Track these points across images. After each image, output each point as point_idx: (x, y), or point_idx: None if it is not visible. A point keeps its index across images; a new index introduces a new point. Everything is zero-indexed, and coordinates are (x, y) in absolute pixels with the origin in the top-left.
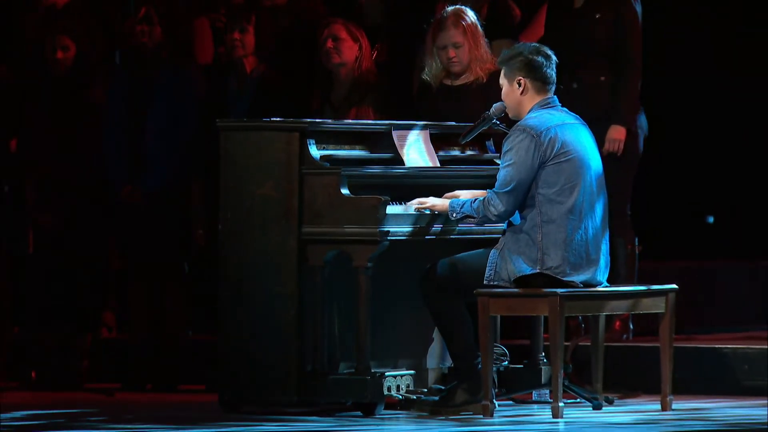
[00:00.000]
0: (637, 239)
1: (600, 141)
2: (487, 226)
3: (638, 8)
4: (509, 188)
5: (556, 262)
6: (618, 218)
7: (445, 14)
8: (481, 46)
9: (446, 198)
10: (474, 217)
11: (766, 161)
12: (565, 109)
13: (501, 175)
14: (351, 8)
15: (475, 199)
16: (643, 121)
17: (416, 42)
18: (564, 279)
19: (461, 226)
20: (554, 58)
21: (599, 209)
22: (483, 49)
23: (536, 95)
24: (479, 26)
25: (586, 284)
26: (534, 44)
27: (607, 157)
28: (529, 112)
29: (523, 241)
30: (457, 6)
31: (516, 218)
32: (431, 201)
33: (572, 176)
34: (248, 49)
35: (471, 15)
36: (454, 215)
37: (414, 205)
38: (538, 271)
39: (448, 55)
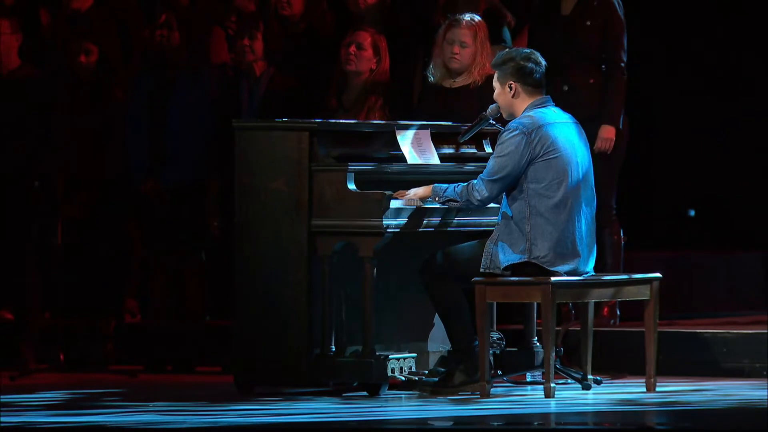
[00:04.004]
0: (622, 230)
1: (589, 140)
2: (484, 219)
3: (621, 13)
4: (496, 177)
5: (543, 252)
6: (604, 211)
7: (462, 15)
8: (486, 54)
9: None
10: (457, 201)
11: (744, 159)
12: (558, 108)
13: (490, 164)
14: (352, 14)
15: (458, 184)
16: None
17: (415, 47)
18: (550, 269)
19: (459, 219)
20: (544, 63)
21: (586, 203)
22: (486, 58)
23: (528, 97)
24: (488, 40)
25: (570, 274)
26: (526, 50)
27: (596, 155)
28: (524, 111)
29: (514, 232)
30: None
31: (507, 209)
32: (412, 191)
33: (560, 172)
34: (258, 54)
35: (484, 26)
36: (437, 199)
37: (395, 196)
38: (526, 259)
39: (452, 50)
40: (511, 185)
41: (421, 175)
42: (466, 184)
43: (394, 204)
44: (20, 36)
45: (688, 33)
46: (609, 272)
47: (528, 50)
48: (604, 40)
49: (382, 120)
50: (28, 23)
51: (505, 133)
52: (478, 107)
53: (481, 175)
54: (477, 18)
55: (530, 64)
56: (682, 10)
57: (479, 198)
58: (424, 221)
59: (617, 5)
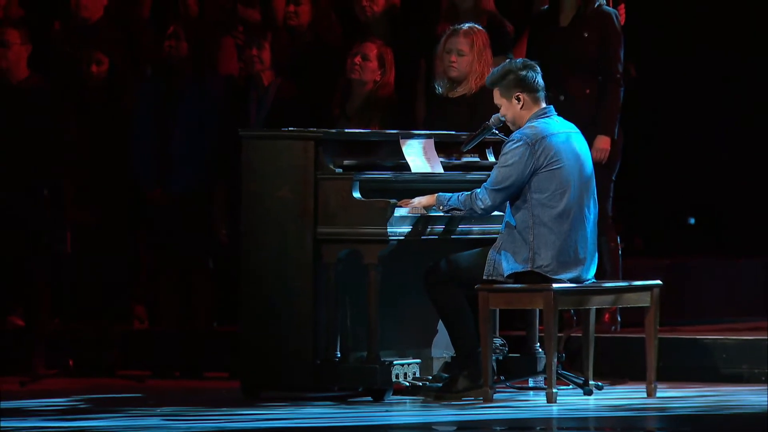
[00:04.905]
0: (619, 237)
1: None
2: (486, 227)
3: (618, 24)
4: (499, 187)
5: (546, 261)
6: (601, 218)
7: (461, 25)
8: (484, 63)
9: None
10: (461, 210)
11: (744, 166)
12: (560, 118)
13: (494, 173)
14: (359, 24)
15: (462, 193)
16: None
17: (417, 57)
18: (553, 277)
19: (463, 227)
20: (538, 66)
21: (588, 212)
22: (484, 67)
23: (533, 106)
24: (489, 49)
25: (573, 281)
26: (518, 60)
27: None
28: (527, 121)
29: (518, 241)
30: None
31: (511, 218)
32: (417, 200)
33: (563, 182)
34: (265, 64)
35: (484, 35)
36: (441, 207)
37: (399, 205)
38: (529, 268)
39: (450, 59)
40: (514, 195)
41: (425, 184)
42: (469, 193)
43: (399, 212)
44: (29, 46)
45: (688, 38)
46: (608, 279)
47: (520, 60)
48: (601, 52)
49: (380, 129)
50: (37, 33)
51: (508, 144)
52: (468, 116)
53: (484, 184)
54: (477, 27)
55: (530, 72)
56: (681, 17)
57: (482, 207)
58: (428, 229)
59: (615, 17)
